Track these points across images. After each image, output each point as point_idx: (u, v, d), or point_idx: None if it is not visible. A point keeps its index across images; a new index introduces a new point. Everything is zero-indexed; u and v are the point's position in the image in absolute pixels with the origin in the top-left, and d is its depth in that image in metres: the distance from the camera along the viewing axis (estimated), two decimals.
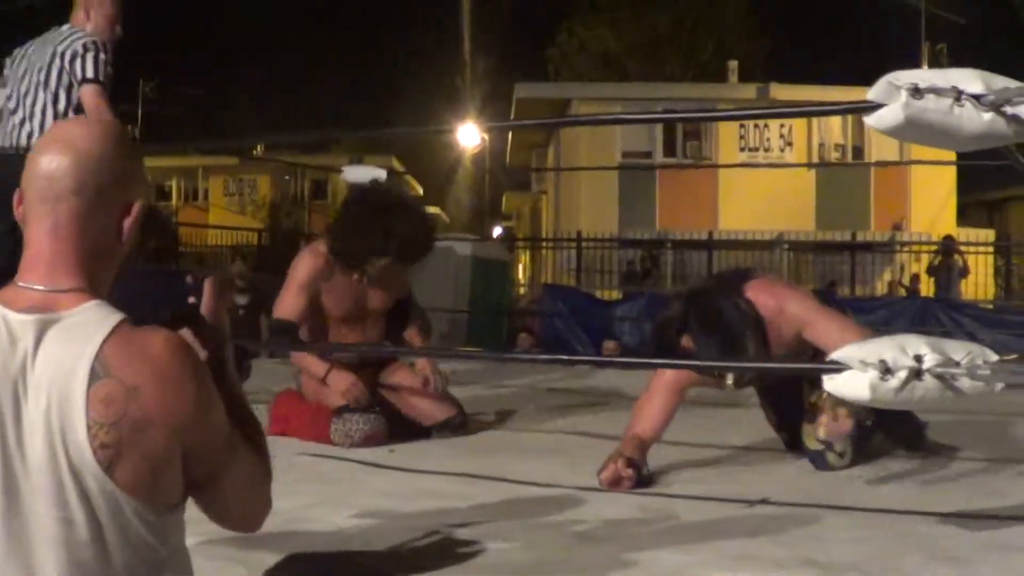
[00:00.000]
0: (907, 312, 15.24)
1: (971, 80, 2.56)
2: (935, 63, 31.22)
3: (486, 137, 35.40)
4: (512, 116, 29.26)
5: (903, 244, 25.25)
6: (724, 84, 32.16)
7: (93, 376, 1.76)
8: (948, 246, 20.97)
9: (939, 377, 2.64)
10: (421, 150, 37.07)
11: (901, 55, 31.35)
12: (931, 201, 27.71)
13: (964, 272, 20.94)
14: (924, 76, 2.54)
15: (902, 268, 23.88)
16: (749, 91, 28.18)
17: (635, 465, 4.30)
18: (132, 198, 1.97)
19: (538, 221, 38.41)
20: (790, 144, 27.20)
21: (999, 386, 2.71)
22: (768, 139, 27.35)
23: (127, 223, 1.97)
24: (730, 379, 4.46)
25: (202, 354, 2.00)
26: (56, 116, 6.31)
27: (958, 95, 2.53)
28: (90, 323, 1.83)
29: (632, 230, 25.48)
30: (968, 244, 22.02)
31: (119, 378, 1.77)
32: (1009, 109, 2.56)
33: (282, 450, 4.83)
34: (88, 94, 6.22)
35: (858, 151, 27.78)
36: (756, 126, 26.86)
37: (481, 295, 16.10)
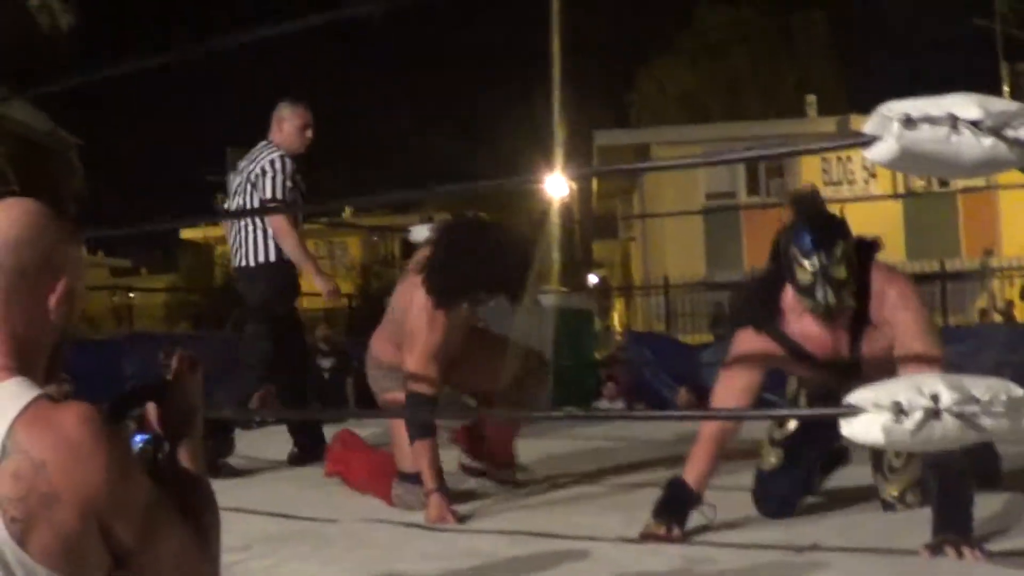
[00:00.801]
0: (998, 340, 14.95)
1: (967, 105, 2.49)
2: (1015, 83, 30.95)
3: (573, 186, 35.40)
4: (594, 164, 29.26)
5: (995, 270, 24.89)
6: (804, 119, 31.97)
7: (3, 452, 1.77)
8: None
9: (959, 416, 2.55)
10: (506, 204, 37.17)
11: (980, 77, 31.09)
12: (1022, 224, 27.34)
13: None
14: (918, 105, 2.48)
15: (992, 295, 23.54)
16: (829, 124, 28.00)
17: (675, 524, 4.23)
18: (59, 277, 1.96)
19: (628, 268, 38.37)
20: (874, 175, 26.94)
21: None
22: (852, 171, 27.17)
23: (53, 302, 1.95)
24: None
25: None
26: (254, 233, 6.94)
27: (954, 122, 2.46)
28: (5, 400, 1.83)
29: (720, 272, 25.34)
30: None
31: (27, 453, 1.77)
32: (1010, 132, 2.49)
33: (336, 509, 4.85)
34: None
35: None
36: (839, 158, 26.70)
37: (566, 347, 16.08)
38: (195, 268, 41.24)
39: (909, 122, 2.45)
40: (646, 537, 4.12)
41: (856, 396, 2.64)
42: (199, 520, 2.04)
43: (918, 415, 2.55)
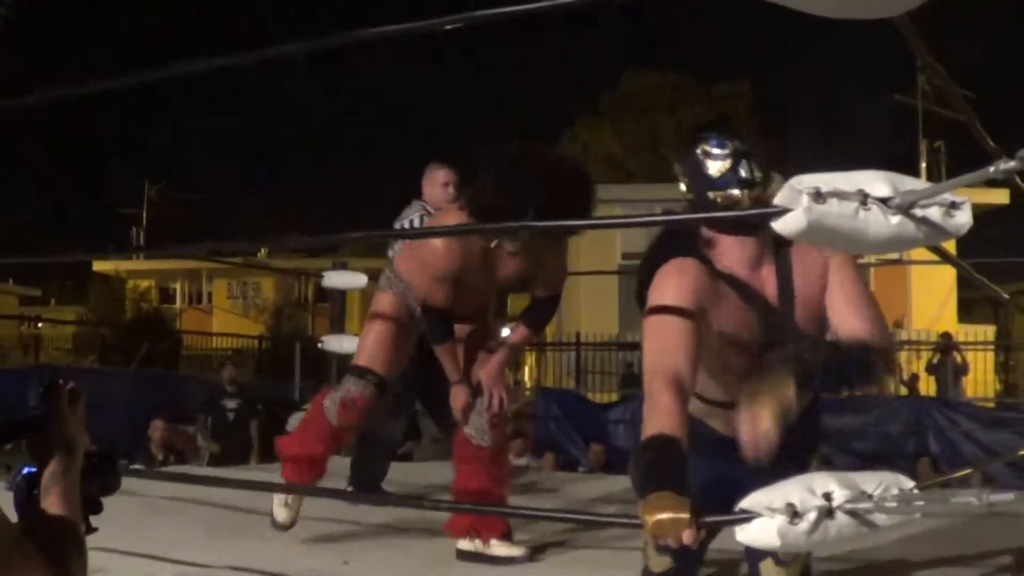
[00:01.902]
0: (902, 412, 15.11)
1: (877, 182, 2.53)
2: (933, 160, 31.43)
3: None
4: None
5: (902, 343, 25.15)
6: None
7: None
8: (946, 344, 20.96)
9: (851, 513, 2.57)
10: None
11: (898, 154, 31.51)
12: (932, 298, 27.71)
13: (964, 370, 20.91)
14: (828, 179, 2.50)
15: (901, 367, 23.78)
16: None
17: None
18: None
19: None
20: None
21: (917, 515, 2.65)
22: None
23: None
24: None
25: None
26: None
27: (864, 198, 2.49)
28: None
29: (632, 332, 25.40)
30: (967, 343, 21.98)
31: None
32: (918, 211, 2.52)
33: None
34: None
35: None
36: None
37: None
38: (105, 301, 40.85)
39: (818, 196, 2.47)
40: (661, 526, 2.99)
41: (748, 501, 2.64)
42: (64, 567, 1.98)
43: (812, 515, 2.56)
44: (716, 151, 3.64)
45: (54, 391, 2.15)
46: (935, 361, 21.16)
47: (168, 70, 4.34)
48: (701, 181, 3.66)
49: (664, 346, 3.51)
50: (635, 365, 22.66)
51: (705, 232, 3.69)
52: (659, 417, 3.26)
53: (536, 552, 5.69)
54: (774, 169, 3.57)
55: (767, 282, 3.66)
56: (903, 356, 24.03)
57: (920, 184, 2.56)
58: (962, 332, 25.22)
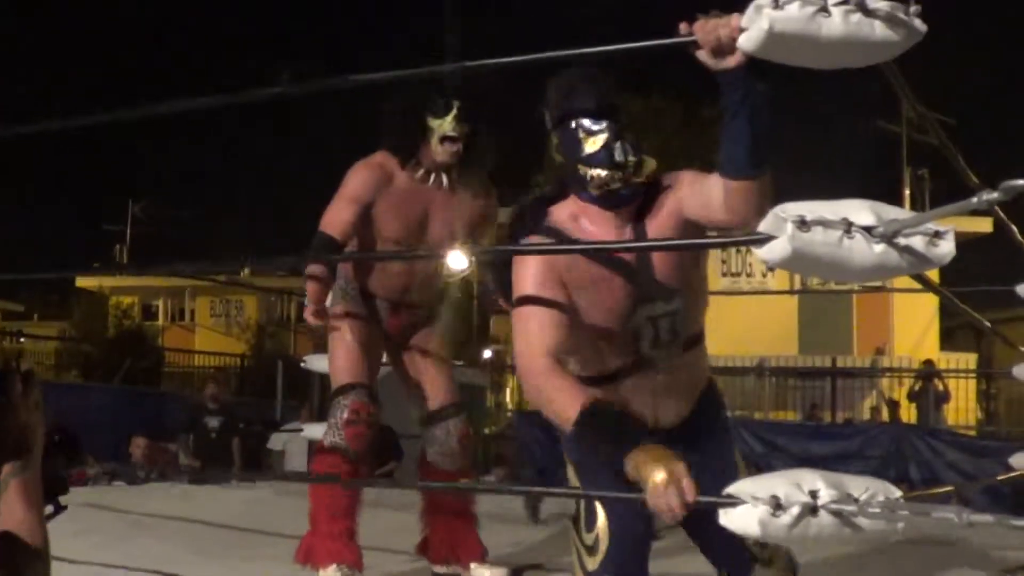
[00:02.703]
0: (883, 439, 15.14)
1: (861, 211, 2.55)
2: (917, 188, 31.49)
3: (473, 261, 35.32)
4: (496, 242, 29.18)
5: (883, 370, 25.16)
6: None
7: None
8: (928, 371, 20.98)
9: (835, 514, 2.59)
10: None
11: (882, 181, 31.60)
12: (914, 325, 27.74)
13: (945, 398, 20.94)
14: (812, 208, 2.53)
15: (881, 394, 23.78)
16: None
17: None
18: None
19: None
20: (772, 270, 27.20)
21: (900, 525, 2.66)
22: (751, 264, 27.37)
23: None
24: None
25: None
26: None
27: (848, 227, 2.52)
28: None
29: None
30: (948, 371, 22.02)
31: None
32: (901, 240, 2.55)
33: None
34: None
35: None
36: (738, 251, 26.88)
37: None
38: (88, 317, 40.73)
39: (803, 224, 2.50)
40: None
41: (736, 487, 2.67)
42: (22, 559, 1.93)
43: (795, 510, 2.58)
44: (593, 128, 3.71)
45: (5, 377, 2.04)
46: (916, 388, 21.17)
47: (166, 105, 4.38)
48: (574, 155, 3.69)
49: (538, 326, 3.53)
50: None
51: (570, 207, 3.71)
52: (567, 393, 3.31)
53: (515, 574, 5.69)
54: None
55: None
56: (885, 383, 24.07)
57: (904, 213, 2.59)
58: (944, 360, 25.27)
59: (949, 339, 31.57)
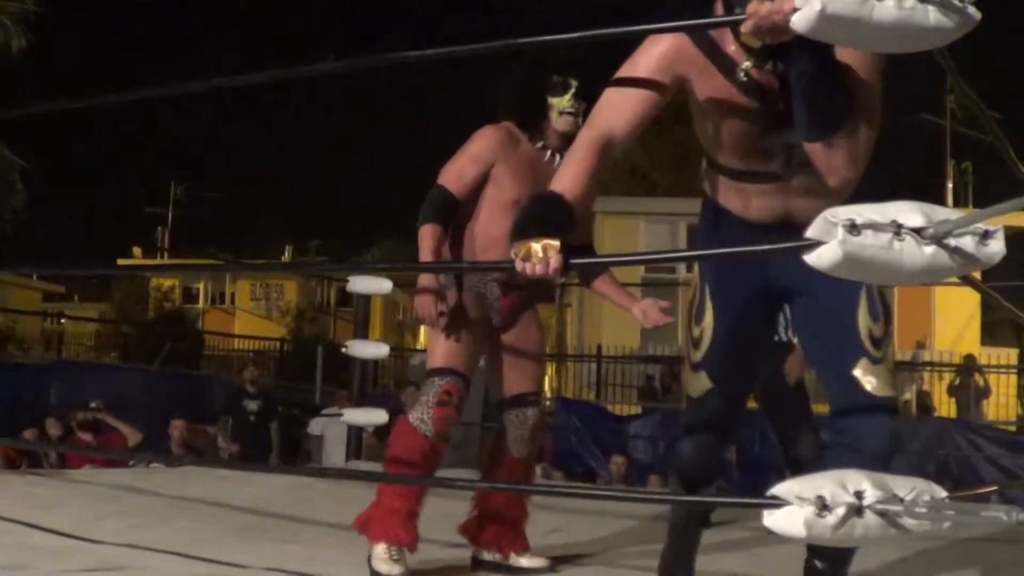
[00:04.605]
0: (922, 433, 15.09)
1: (911, 213, 2.54)
2: (960, 181, 31.34)
3: None
4: None
5: (924, 364, 25.06)
6: None
7: None
8: (968, 366, 20.88)
9: (881, 514, 2.58)
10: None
11: (927, 175, 31.44)
12: (955, 320, 27.58)
13: (985, 393, 20.83)
14: (862, 211, 2.52)
15: (920, 388, 23.69)
16: None
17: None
18: None
19: (562, 333, 38.38)
20: None
21: (946, 524, 2.65)
22: None
23: None
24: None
25: None
26: None
27: (898, 229, 2.51)
28: None
29: (654, 345, 25.37)
30: (989, 366, 21.91)
31: None
32: (952, 241, 2.54)
33: None
34: None
35: None
36: None
37: (495, 409, 16.15)
38: (129, 299, 40.96)
39: (853, 228, 2.49)
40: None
41: (780, 488, 2.66)
42: None
43: (841, 511, 2.57)
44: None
45: None
46: (956, 383, 21.08)
47: (206, 83, 4.39)
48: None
49: (612, 103, 3.59)
50: (656, 378, 22.64)
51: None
52: (565, 169, 3.47)
53: (558, 563, 5.68)
54: None
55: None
56: (926, 377, 23.97)
57: (954, 213, 2.58)
58: (985, 355, 25.11)
59: (990, 334, 31.42)
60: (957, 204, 30.04)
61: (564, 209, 3.31)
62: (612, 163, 3.64)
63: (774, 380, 6.34)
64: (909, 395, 23.99)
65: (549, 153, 5.42)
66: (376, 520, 5.22)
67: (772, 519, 2.66)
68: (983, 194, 31.87)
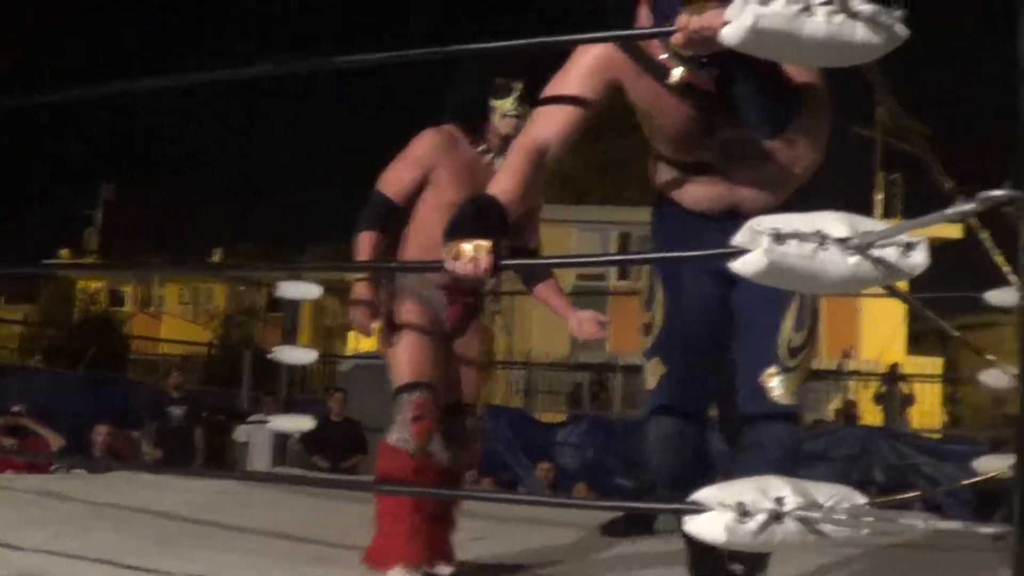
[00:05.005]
0: (849, 440, 15.23)
1: (835, 223, 2.56)
2: (890, 192, 31.63)
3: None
4: None
5: (851, 372, 25.28)
6: None
7: None
8: (893, 375, 21.09)
9: (801, 520, 2.60)
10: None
11: (855, 185, 31.68)
12: (881, 329, 27.83)
13: (910, 401, 21.05)
14: (788, 220, 2.54)
15: (847, 397, 23.91)
16: None
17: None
18: None
19: (490, 341, 38.40)
20: None
21: (864, 531, 2.67)
22: None
23: None
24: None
25: None
26: None
27: (822, 239, 2.52)
28: None
29: (582, 353, 25.45)
30: (915, 375, 22.13)
31: None
32: (875, 252, 2.56)
33: None
34: None
35: None
36: None
37: None
38: (55, 301, 40.61)
39: (778, 237, 2.51)
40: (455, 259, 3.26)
41: (702, 494, 2.67)
42: None
43: (761, 517, 2.58)
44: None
45: None
46: (882, 391, 21.27)
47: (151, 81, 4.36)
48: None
49: (546, 111, 3.68)
50: (584, 386, 22.71)
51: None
52: (500, 175, 3.56)
53: (482, 571, 5.66)
54: None
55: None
56: (852, 385, 24.18)
57: (878, 225, 2.60)
58: (911, 364, 25.39)
59: (916, 343, 31.72)
60: (887, 215, 30.29)
61: (497, 211, 3.35)
62: (549, 169, 3.67)
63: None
64: (836, 403, 24.21)
65: (491, 156, 5.41)
66: (382, 549, 5.17)
67: (693, 524, 2.68)
68: (912, 205, 32.22)
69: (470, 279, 3.17)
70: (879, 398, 21.36)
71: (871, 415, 21.51)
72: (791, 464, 3.61)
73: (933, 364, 28.62)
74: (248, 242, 49.47)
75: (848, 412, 19.93)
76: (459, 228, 3.27)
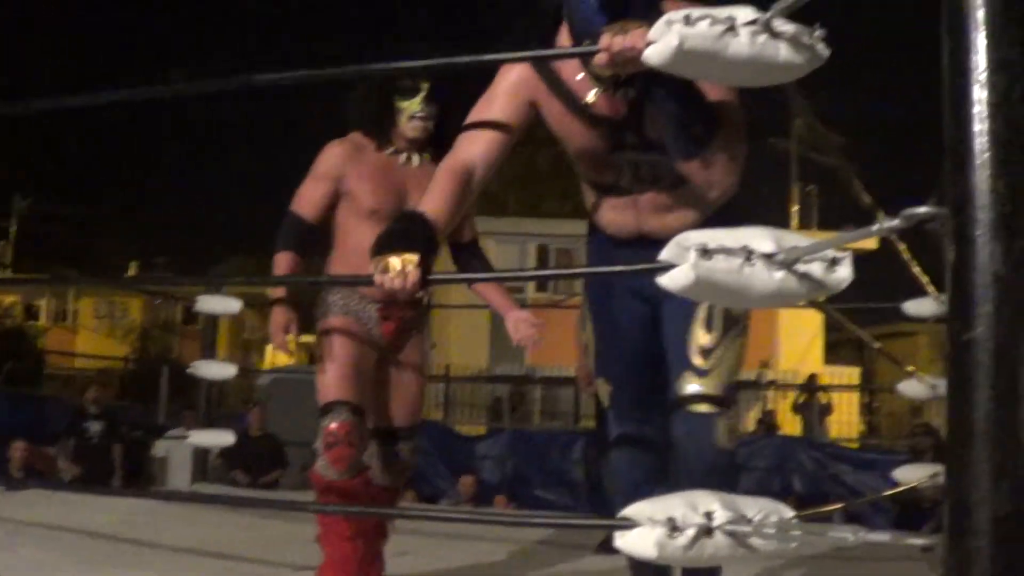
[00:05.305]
0: (768, 451, 15.32)
1: (762, 239, 2.57)
2: (805, 204, 31.92)
3: None
4: None
5: (769, 383, 25.49)
6: None
7: None
8: (811, 385, 21.28)
9: (730, 534, 2.61)
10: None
11: (772, 197, 31.93)
12: (799, 340, 28.10)
13: (828, 410, 21.24)
14: (714, 236, 2.55)
15: (765, 407, 24.11)
16: None
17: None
18: None
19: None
20: None
21: (792, 545, 2.69)
22: None
23: None
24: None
25: None
26: None
27: (748, 254, 2.54)
28: None
29: (502, 365, 25.49)
30: (832, 386, 22.32)
31: None
32: (801, 267, 2.57)
33: None
34: None
35: None
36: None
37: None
38: None
39: (705, 252, 2.52)
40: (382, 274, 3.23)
41: (631, 509, 2.68)
42: None
43: (691, 532, 2.59)
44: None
45: None
46: (801, 401, 21.45)
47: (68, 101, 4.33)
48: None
49: (471, 130, 3.75)
50: (503, 399, 22.73)
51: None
52: (428, 193, 3.56)
53: None
54: None
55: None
56: (770, 395, 24.37)
57: (803, 240, 2.62)
58: (828, 374, 25.63)
59: (833, 353, 32.02)
60: (803, 226, 30.57)
61: (425, 227, 3.36)
62: (478, 186, 3.69)
63: None
64: (755, 413, 24.38)
65: (404, 157, 5.31)
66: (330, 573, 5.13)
67: (623, 540, 2.68)
68: (828, 216, 32.56)
69: (398, 294, 3.15)
70: (798, 408, 21.52)
71: (790, 425, 21.68)
72: (720, 470, 3.63)
73: (850, 374, 28.89)
74: (163, 255, 49.20)
75: (768, 422, 20.06)
76: (387, 241, 3.27)
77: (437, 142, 5.20)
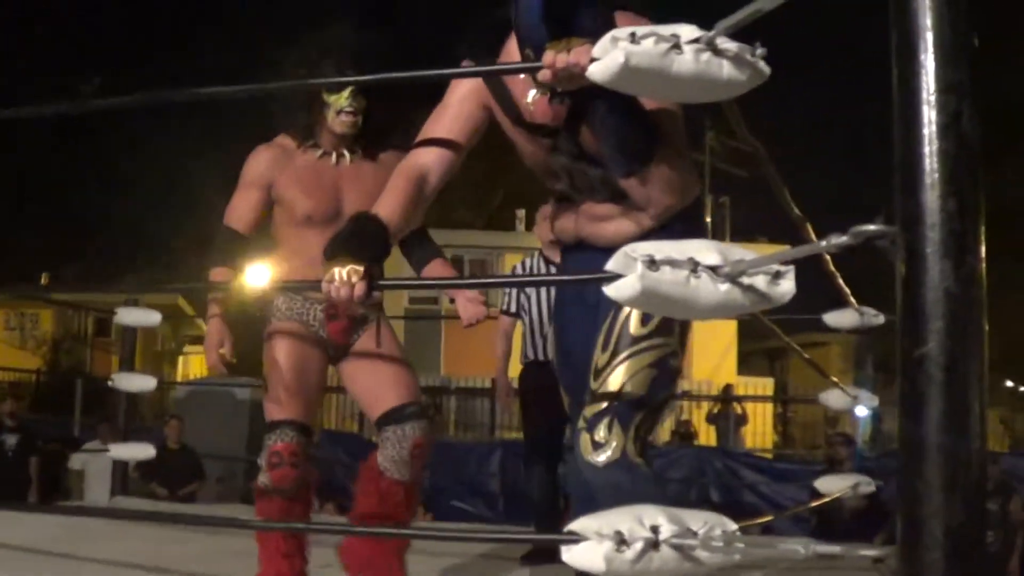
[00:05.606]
0: (684, 461, 15.40)
1: (708, 252, 2.60)
2: (718, 215, 32.18)
3: None
4: None
5: (684, 393, 25.61)
6: (513, 232, 32.66)
7: None
8: (726, 396, 21.43)
9: (676, 548, 2.63)
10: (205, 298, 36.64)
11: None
12: (712, 350, 28.25)
13: (743, 420, 21.40)
14: (661, 248, 2.57)
15: (679, 417, 24.23)
16: (535, 240, 28.45)
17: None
18: None
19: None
20: None
21: (736, 556, 2.71)
22: None
23: None
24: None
25: None
26: None
27: (695, 266, 2.56)
28: None
29: (418, 376, 25.40)
30: (747, 396, 22.48)
31: None
32: (745, 280, 2.60)
33: None
34: None
35: None
36: None
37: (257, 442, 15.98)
38: None
39: (652, 263, 2.54)
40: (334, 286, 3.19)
41: (578, 524, 2.69)
42: None
43: (638, 545, 2.60)
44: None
45: None
46: (715, 411, 21.60)
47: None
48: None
49: (426, 133, 3.77)
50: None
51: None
52: (382, 196, 3.59)
53: None
54: None
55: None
56: (685, 406, 24.51)
57: (748, 254, 2.64)
58: (741, 384, 25.80)
59: (745, 364, 32.27)
60: (715, 237, 30.75)
61: (378, 229, 3.38)
62: (432, 191, 3.73)
63: None
64: (670, 424, 24.51)
65: (334, 156, 5.19)
66: None
67: (570, 555, 2.69)
68: (739, 227, 32.83)
69: (345, 303, 3.15)
70: (712, 418, 21.67)
71: (704, 435, 21.81)
72: (608, 490, 3.56)
73: (763, 384, 29.10)
74: (74, 264, 48.65)
75: (683, 432, 20.19)
76: (336, 250, 3.25)
77: (365, 136, 5.18)
